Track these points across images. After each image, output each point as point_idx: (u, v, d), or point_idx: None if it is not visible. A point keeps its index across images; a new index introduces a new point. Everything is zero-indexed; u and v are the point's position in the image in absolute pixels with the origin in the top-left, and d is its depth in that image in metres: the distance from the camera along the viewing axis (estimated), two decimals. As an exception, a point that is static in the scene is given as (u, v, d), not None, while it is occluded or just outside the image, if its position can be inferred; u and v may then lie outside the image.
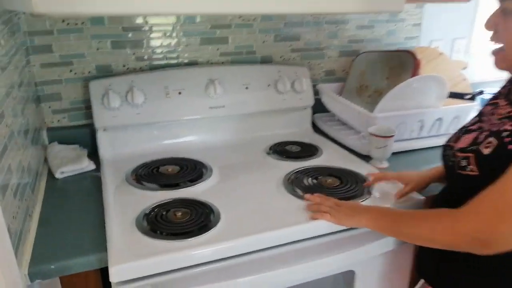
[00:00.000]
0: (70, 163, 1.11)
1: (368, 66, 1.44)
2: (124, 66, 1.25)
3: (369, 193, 0.99)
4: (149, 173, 1.08)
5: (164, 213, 0.89)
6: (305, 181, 1.05)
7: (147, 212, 0.89)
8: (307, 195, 0.95)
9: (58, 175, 1.09)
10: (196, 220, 0.86)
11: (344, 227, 0.89)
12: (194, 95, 1.24)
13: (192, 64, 1.33)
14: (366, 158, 1.22)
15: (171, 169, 1.10)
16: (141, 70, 1.27)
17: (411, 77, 1.28)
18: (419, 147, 1.30)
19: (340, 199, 0.95)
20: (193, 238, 0.81)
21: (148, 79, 1.20)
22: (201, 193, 0.99)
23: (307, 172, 1.10)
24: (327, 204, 0.90)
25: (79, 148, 1.21)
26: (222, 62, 1.36)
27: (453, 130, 1.26)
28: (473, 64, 1.62)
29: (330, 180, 1.05)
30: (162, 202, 0.93)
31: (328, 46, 1.49)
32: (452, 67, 1.39)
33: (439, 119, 1.31)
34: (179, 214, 0.88)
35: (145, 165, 1.13)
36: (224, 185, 1.04)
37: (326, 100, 1.44)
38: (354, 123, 1.33)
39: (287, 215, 0.90)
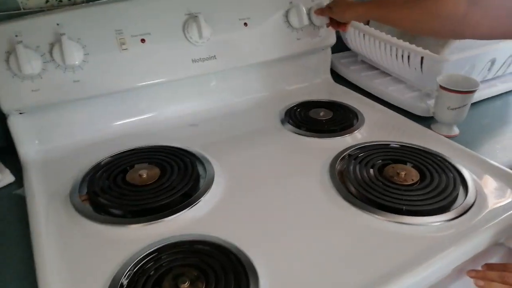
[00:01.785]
0: (-34, 178, 0.64)
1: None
2: (39, -3, 0.74)
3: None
4: (110, 186, 0.64)
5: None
6: (364, 173, 0.66)
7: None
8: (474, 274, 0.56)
9: None
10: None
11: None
12: (167, 42, 0.76)
13: (155, -11, 0.83)
14: (422, 120, 0.85)
15: (146, 173, 0.66)
16: (72, 3, 0.77)
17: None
18: (492, 95, 0.95)
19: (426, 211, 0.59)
20: None
21: (85, 19, 0.70)
22: (207, 224, 0.58)
23: (358, 156, 0.71)
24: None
25: (-18, 144, 0.73)
26: (202, -15, 0.87)
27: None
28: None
29: (402, 171, 0.67)
30: (145, 254, 0.51)
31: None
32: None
33: (512, 55, 0.94)
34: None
35: (99, 169, 0.68)
36: (240, 198, 0.63)
37: (353, 38, 1.01)
38: (403, 70, 0.92)
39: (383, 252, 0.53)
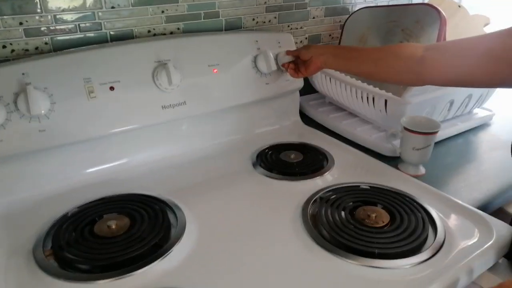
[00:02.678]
0: None
1: (369, 28, 1.06)
2: (4, 47, 0.73)
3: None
4: (77, 239, 0.61)
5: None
6: (336, 217, 0.66)
7: None
8: None
9: None
10: None
11: None
12: (136, 89, 0.76)
13: (124, 37, 0.84)
14: (390, 159, 0.87)
15: (115, 224, 0.64)
16: (39, 52, 0.76)
17: (438, 40, 0.93)
18: (454, 133, 0.99)
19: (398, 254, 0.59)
20: None
21: (52, 68, 0.70)
22: (179, 276, 0.56)
23: (329, 199, 0.71)
24: None
25: None
26: (171, 32, 0.89)
27: (478, 107, 1.09)
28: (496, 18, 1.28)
29: (373, 213, 0.68)
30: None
31: (313, 1, 1.08)
32: (474, 25, 1.07)
33: (469, 96, 0.99)
34: None
35: (65, 221, 0.65)
36: (212, 247, 0.61)
37: (320, 81, 1.05)
38: (369, 112, 0.95)
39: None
